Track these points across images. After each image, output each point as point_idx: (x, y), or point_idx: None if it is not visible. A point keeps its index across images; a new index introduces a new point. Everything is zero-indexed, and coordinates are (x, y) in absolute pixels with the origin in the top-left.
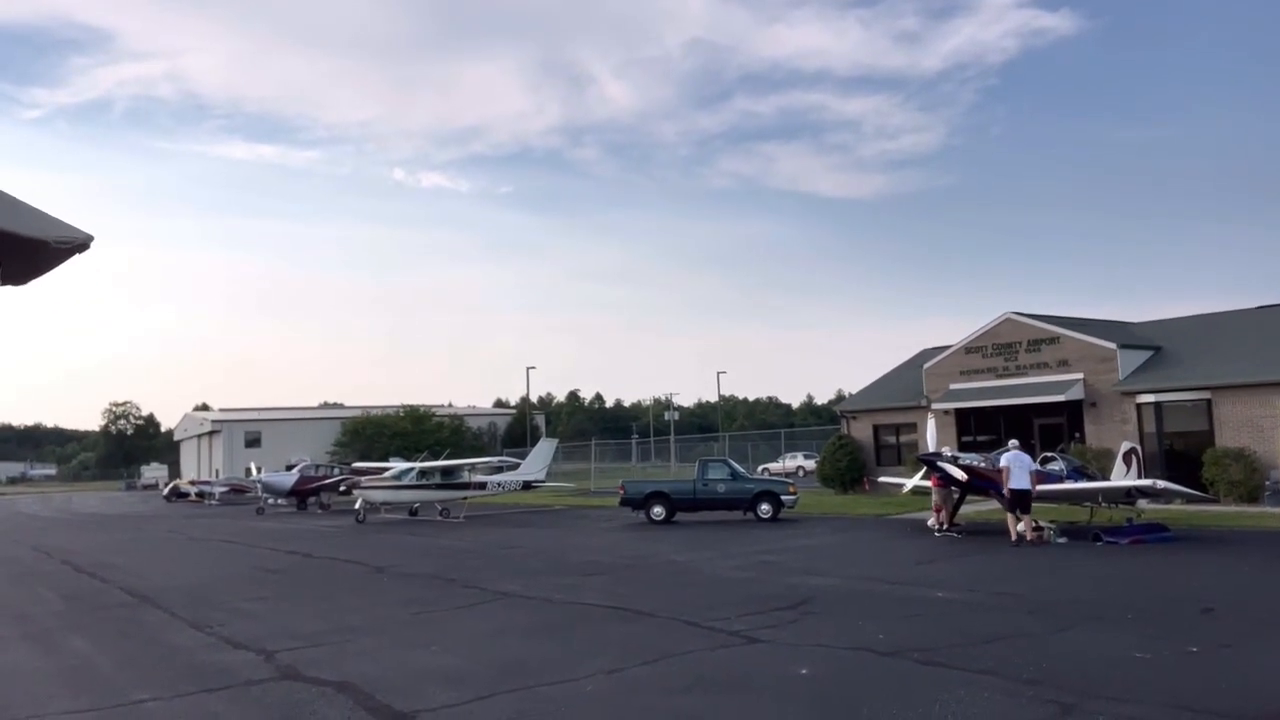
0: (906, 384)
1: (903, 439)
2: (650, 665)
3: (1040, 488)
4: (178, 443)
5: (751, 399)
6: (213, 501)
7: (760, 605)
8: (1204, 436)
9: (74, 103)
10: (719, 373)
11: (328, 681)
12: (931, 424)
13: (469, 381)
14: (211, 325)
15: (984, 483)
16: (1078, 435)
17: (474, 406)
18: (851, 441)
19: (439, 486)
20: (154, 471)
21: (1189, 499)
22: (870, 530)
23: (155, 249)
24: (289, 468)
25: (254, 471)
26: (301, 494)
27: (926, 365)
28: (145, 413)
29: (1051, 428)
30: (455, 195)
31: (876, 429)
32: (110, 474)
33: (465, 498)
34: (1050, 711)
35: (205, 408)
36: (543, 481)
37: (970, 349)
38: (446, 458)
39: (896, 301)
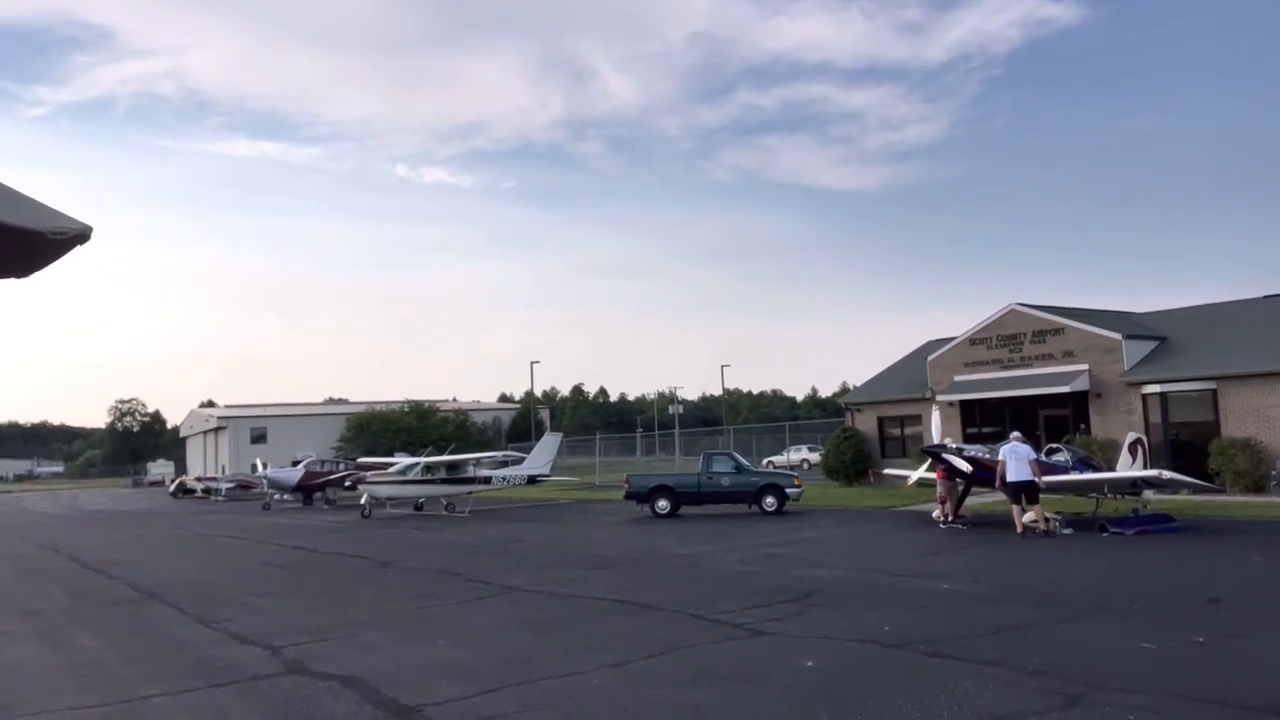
0: (911, 376)
1: (907, 431)
2: (656, 658)
3: (1046, 479)
4: (183, 439)
5: (756, 392)
6: (219, 498)
7: (765, 598)
8: (1209, 426)
9: (76, 101)
10: (723, 366)
11: (335, 676)
12: (936, 416)
13: (473, 376)
14: (216, 322)
15: (989, 474)
16: (1083, 426)
17: (478, 401)
18: (856, 434)
19: (444, 481)
20: (160, 468)
21: (1195, 489)
22: (875, 522)
23: (159, 246)
24: (294, 463)
25: (260, 467)
26: (307, 489)
27: (931, 357)
28: (151, 410)
29: (1057, 419)
30: (458, 191)
31: (881, 421)
32: (117, 471)
33: (470, 493)
34: (1057, 702)
35: (211, 404)
36: (547, 476)
37: (975, 340)
38: (451, 453)
39: (901, 293)
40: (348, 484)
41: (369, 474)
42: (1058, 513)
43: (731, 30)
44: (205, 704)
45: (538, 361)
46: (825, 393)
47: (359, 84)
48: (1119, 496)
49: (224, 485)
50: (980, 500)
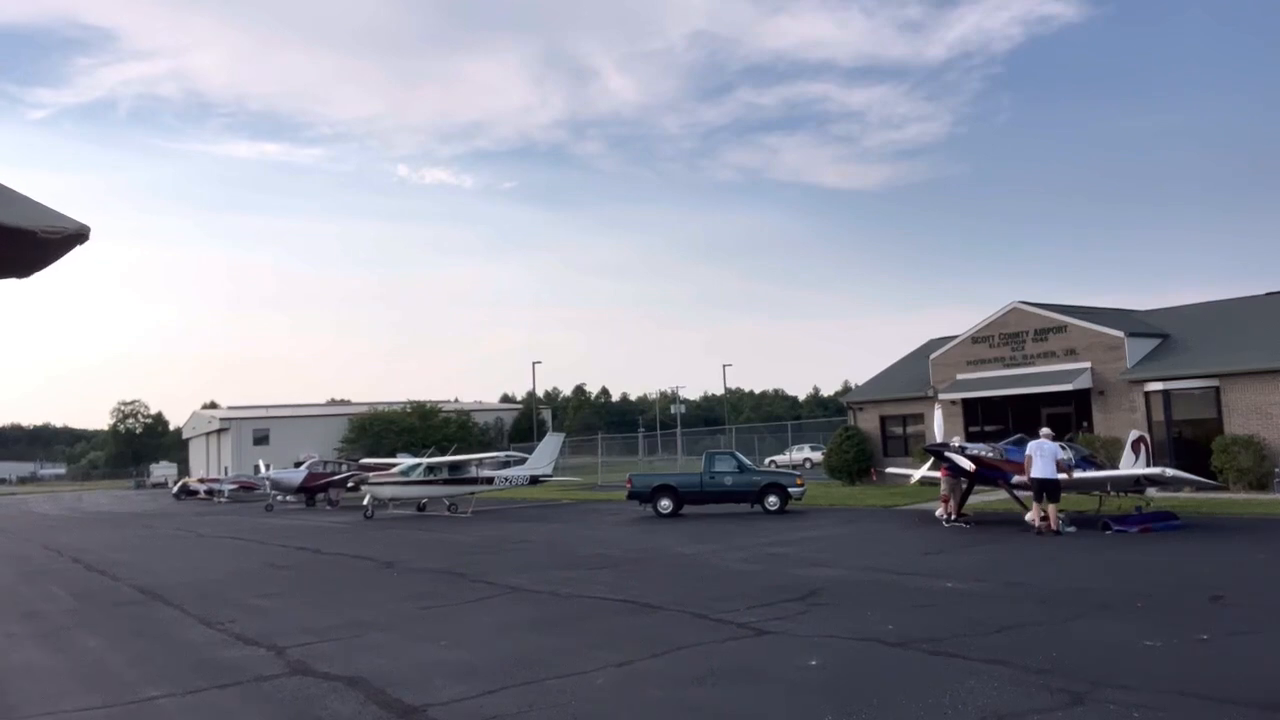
0: (913, 375)
1: (910, 430)
2: (660, 658)
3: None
4: (186, 441)
5: (758, 391)
6: (222, 499)
7: (769, 597)
8: (1212, 424)
9: (78, 103)
10: (725, 365)
11: (339, 676)
12: (939, 414)
13: (475, 377)
14: (218, 323)
15: (992, 473)
16: (1086, 424)
17: (480, 402)
18: (858, 433)
19: (446, 482)
20: (163, 470)
21: (1198, 487)
22: (878, 521)
23: (161, 247)
24: (297, 465)
25: (262, 469)
26: (310, 490)
27: (933, 355)
28: (154, 411)
29: (1059, 417)
30: (459, 191)
31: (883, 420)
32: (119, 473)
33: (473, 493)
34: (1061, 700)
35: (213, 406)
36: (550, 476)
37: (977, 339)
38: (454, 453)
39: (903, 292)
40: (350, 485)
41: (371, 475)
42: (1061, 510)
43: (732, 29)
44: (209, 705)
45: (539, 362)
46: (827, 392)
47: (360, 84)
48: (1122, 494)
49: (227, 486)
50: (983, 499)
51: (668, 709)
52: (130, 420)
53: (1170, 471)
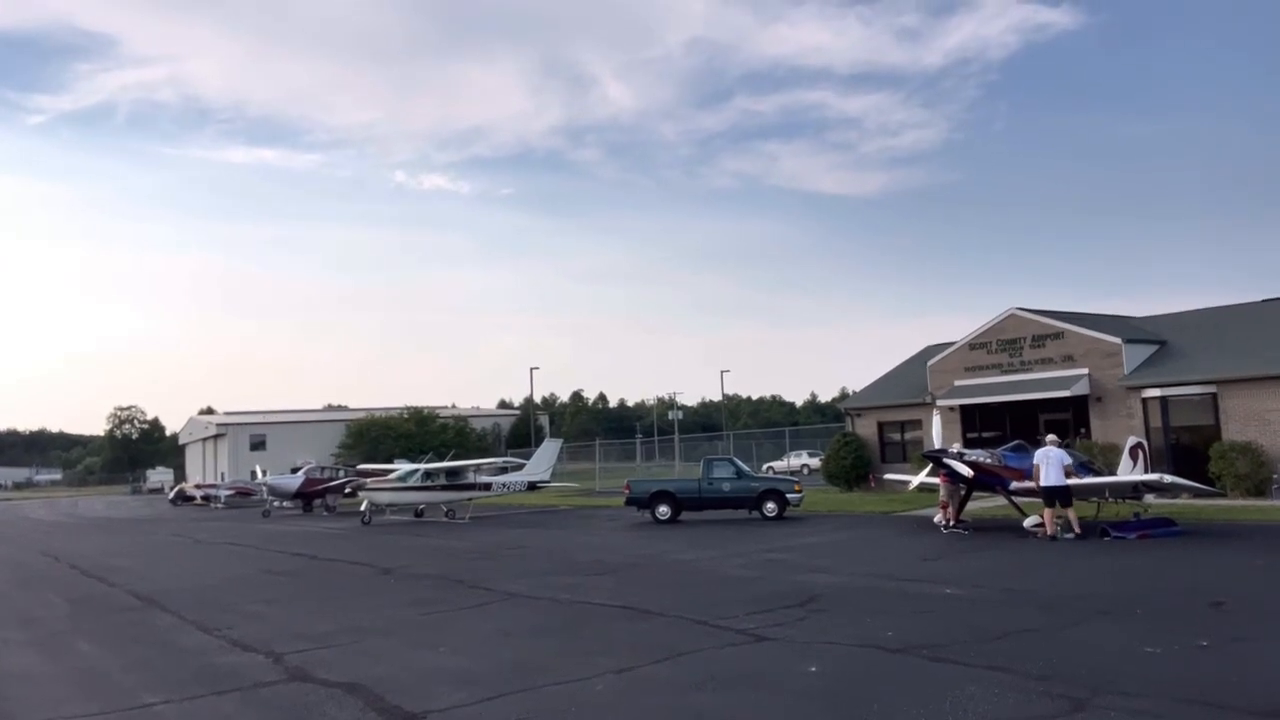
0: (911, 381)
1: (907, 436)
2: (659, 664)
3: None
4: (183, 446)
5: (755, 397)
6: (218, 505)
7: (768, 603)
8: (1210, 430)
9: (77, 109)
10: (723, 371)
11: (337, 683)
12: (937, 421)
13: (473, 383)
14: (215, 329)
15: (990, 479)
16: (1083, 430)
17: (478, 407)
18: (856, 439)
19: (444, 488)
20: (159, 475)
21: (1196, 493)
22: (876, 527)
23: (158, 254)
24: (294, 470)
25: (259, 474)
26: (307, 496)
27: (931, 362)
28: (150, 417)
29: (1057, 423)
30: (456, 197)
31: (881, 426)
32: (116, 478)
33: (470, 499)
34: (1062, 707)
35: (210, 411)
36: (548, 482)
37: (975, 345)
38: (451, 459)
39: (900, 298)
40: (348, 491)
41: (369, 480)
42: (1058, 517)
43: (730, 36)
44: (207, 712)
45: (537, 367)
46: (825, 398)
47: (358, 91)
48: (1120, 500)
49: (223, 492)
50: (981, 505)
51: (667, 716)
52: (127, 425)
53: (1168, 478)
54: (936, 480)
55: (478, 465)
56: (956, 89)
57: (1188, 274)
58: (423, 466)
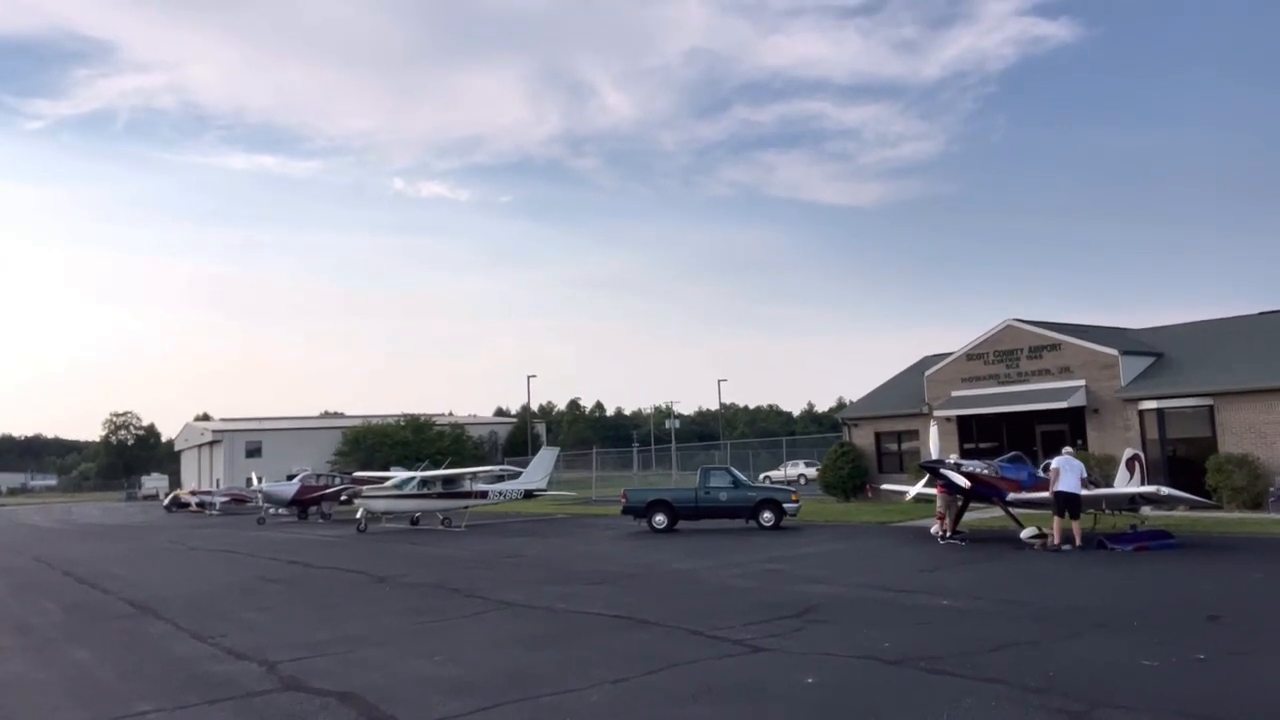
0: (908, 391)
1: (904, 446)
2: (655, 675)
3: (1042, 495)
4: (178, 453)
5: (752, 407)
6: (213, 512)
7: (765, 614)
8: (1207, 443)
9: (76, 114)
10: (720, 381)
11: (331, 692)
12: (934, 431)
13: (470, 390)
14: (212, 335)
15: (987, 490)
16: (1080, 442)
17: (475, 415)
18: (853, 449)
19: (440, 496)
20: (154, 482)
21: (1192, 505)
22: (873, 538)
23: (155, 259)
24: (290, 477)
25: (255, 481)
26: (303, 504)
27: (928, 372)
28: (146, 423)
29: (1054, 434)
30: (455, 205)
31: (878, 436)
32: (111, 484)
33: (467, 507)
34: None
35: (206, 417)
36: (544, 490)
37: (972, 355)
38: (448, 467)
39: (897, 309)
40: (343, 498)
41: (365, 488)
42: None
43: (729, 47)
44: None
45: (534, 375)
46: (822, 408)
47: (358, 98)
48: (1117, 512)
49: (218, 499)
50: (978, 516)
51: None
52: (122, 431)
53: (1165, 490)
54: (933, 491)
55: (474, 473)
56: (954, 101)
57: (1185, 286)
58: (419, 474)
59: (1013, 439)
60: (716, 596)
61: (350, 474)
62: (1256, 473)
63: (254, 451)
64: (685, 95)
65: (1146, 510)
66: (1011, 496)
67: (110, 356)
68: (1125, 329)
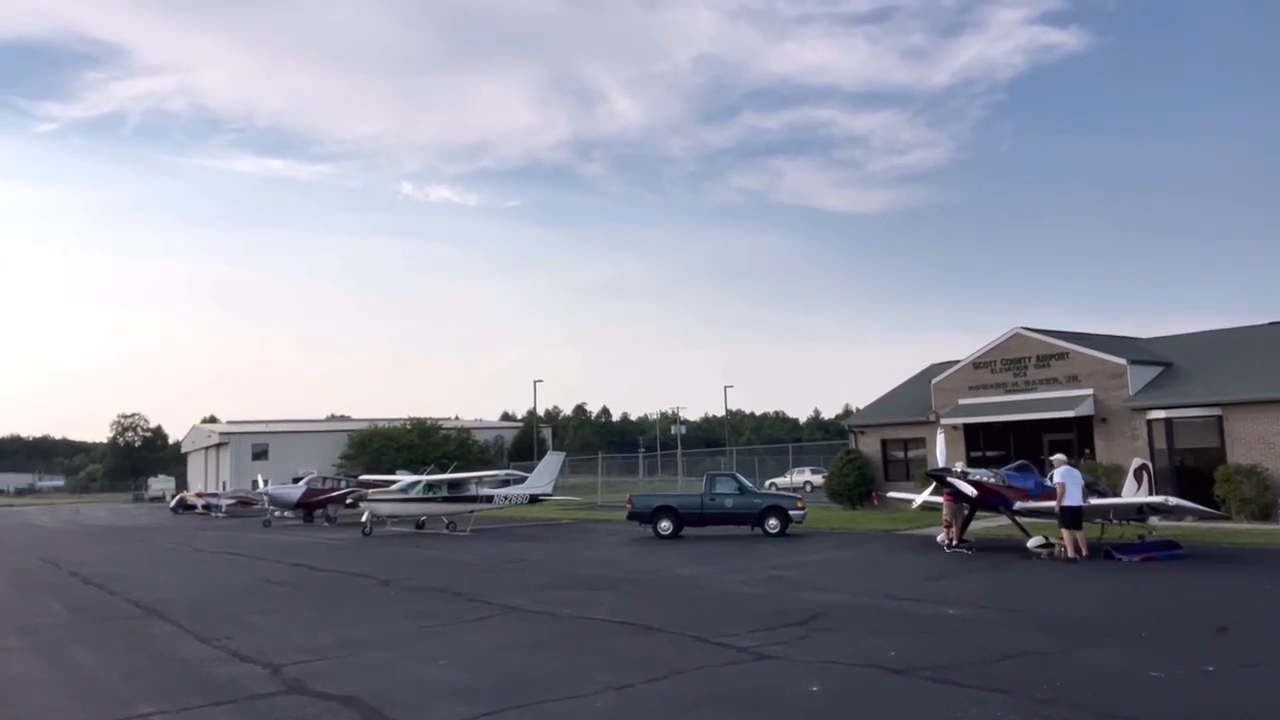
0: (915, 399)
1: (911, 454)
2: (659, 681)
3: (1049, 504)
4: (185, 455)
5: (759, 413)
6: (219, 514)
7: (769, 621)
8: (1215, 453)
9: (87, 117)
10: (726, 387)
11: (334, 696)
12: (941, 439)
13: (476, 395)
14: (219, 337)
15: (994, 499)
16: (1088, 451)
17: (481, 419)
18: (859, 456)
19: (446, 500)
20: (161, 483)
21: (1200, 516)
22: (879, 546)
23: (164, 261)
24: (296, 480)
25: (261, 484)
26: (308, 506)
27: (935, 380)
28: (153, 425)
29: (1061, 444)
30: (463, 209)
31: (885, 444)
32: (118, 486)
33: (472, 511)
34: None
35: (213, 420)
36: (549, 495)
37: (979, 364)
38: (453, 471)
39: (904, 316)
40: (349, 501)
41: (370, 491)
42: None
43: (737, 54)
44: None
45: (541, 380)
46: (828, 415)
47: (367, 103)
48: (1125, 522)
49: (225, 501)
50: (985, 525)
51: None
52: (129, 433)
53: (1173, 500)
54: (940, 499)
55: (480, 478)
56: (963, 109)
57: (1194, 295)
58: (424, 478)
59: (1020, 448)
60: (721, 603)
61: (356, 477)
62: (1265, 484)
63: (260, 454)
64: (693, 101)
65: (1154, 520)
66: (1019, 505)
67: (118, 358)
68: (1134, 338)
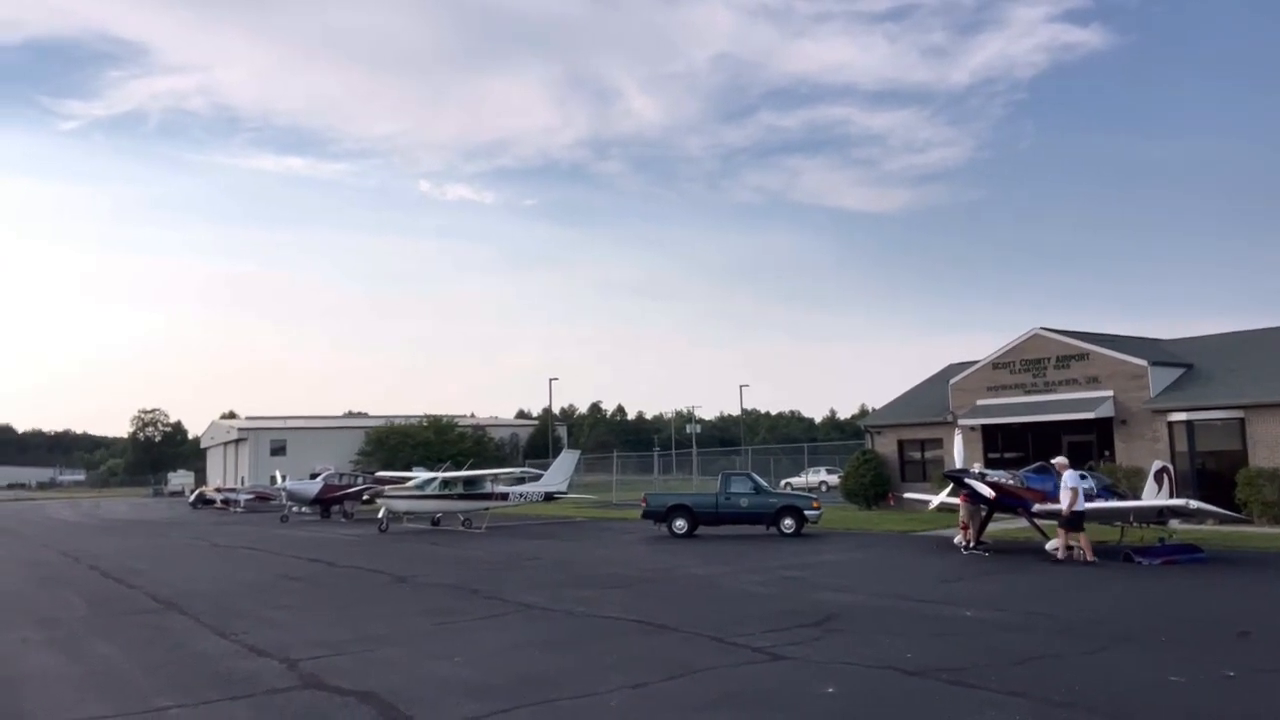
0: (932, 399)
1: (928, 455)
2: (674, 681)
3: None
4: (204, 450)
5: (774, 413)
6: (238, 509)
7: (784, 621)
8: (1237, 456)
9: (109, 115)
10: (742, 386)
11: (350, 691)
12: (958, 440)
13: (492, 392)
14: (239, 334)
15: (1012, 501)
16: (1108, 453)
17: (496, 417)
18: (876, 457)
19: (461, 497)
20: (180, 478)
21: (1222, 519)
22: (895, 547)
23: (184, 259)
24: (313, 476)
25: (279, 479)
26: (325, 502)
27: (953, 381)
28: (173, 420)
29: (1081, 445)
30: (480, 208)
31: (901, 444)
32: (138, 480)
33: (487, 508)
34: None
35: (232, 415)
36: (564, 493)
37: (998, 364)
38: (469, 468)
39: (922, 316)
40: (365, 498)
41: (387, 488)
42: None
43: (755, 52)
44: (221, 716)
45: (556, 378)
46: (844, 414)
47: (386, 102)
48: (1145, 525)
49: (243, 496)
50: (1003, 527)
51: None
52: (149, 428)
53: (1194, 503)
54: (957, 500)
55: (495, 475)
56: (983, 107)
57: (1215, 296)
58: (441, 475)
59: (1038, 449)
60: (736, 603)
61: (373, 474)
62: None
63: (278, 450)
64: (711, 100)
65: (1175, 524)
66: (1037, 507)
67: (138, 354)
68: (1155, 339)
